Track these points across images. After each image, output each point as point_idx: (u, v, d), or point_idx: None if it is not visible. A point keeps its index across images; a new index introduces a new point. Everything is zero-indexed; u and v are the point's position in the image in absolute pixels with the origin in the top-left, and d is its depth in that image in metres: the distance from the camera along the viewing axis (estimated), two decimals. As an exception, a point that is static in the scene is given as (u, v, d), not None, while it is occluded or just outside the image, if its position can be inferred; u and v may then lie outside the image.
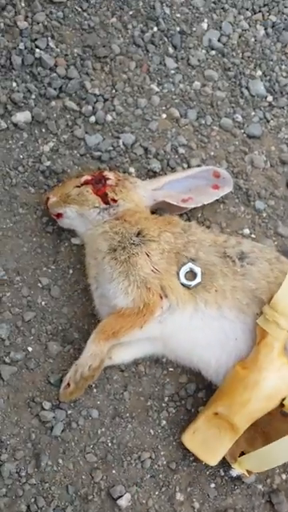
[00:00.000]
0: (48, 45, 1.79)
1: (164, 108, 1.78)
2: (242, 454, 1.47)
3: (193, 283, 1.46)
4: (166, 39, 1.84)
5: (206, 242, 1.51)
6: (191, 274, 1.47)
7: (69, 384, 1.48)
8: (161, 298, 1.45)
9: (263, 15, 1.91)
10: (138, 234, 1.49)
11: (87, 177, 1.58)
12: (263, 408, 1.39)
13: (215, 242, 1.52)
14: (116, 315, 1.45)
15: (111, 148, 1.72)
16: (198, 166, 1.72)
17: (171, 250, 1.49)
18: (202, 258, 1.48)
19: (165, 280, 1.46)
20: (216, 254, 1.49)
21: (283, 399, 1.41)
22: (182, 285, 1.47)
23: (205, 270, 1.47)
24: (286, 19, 1.91)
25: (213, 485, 1.51)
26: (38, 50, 1.78)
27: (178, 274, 1.47)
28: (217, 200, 1.69)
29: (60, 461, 1.49)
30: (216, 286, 1.46)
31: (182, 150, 1.74)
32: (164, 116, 1.77)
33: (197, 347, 1.47)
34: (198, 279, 1.46)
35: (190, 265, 1.47)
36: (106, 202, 1.55)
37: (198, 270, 1.47)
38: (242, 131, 1.79)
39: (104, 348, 1.44)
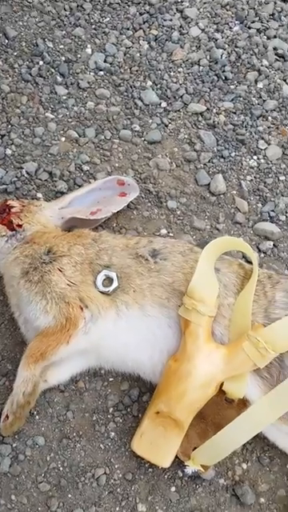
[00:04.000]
0: None
1: (62, 132, 1.74)
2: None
3: (111, 288, 1.39)
4: (52, 70, 1.82)
5: (117, 247, 1.45)
6: (108, 281, 1.41)
7: (7, 416, 1.38)
8: (81, 309, 1.37)
9: (144, 31, 1.91)
10: (48, 252, 1.42)
11: (-10, 209, 1.53)
12: (201, 397, 1.30)
13: (127, 246, 1.46)
14: (41, 336, 1.37)
15: (15, 179, 1.67)
16: (104, 178, 1.67)
17: (84, 261, 1.42)
18: (115, 263, 1.42)
19: (82, 291, 1.39)
20: (129, 256, 1.43)
21: (221, 385, 1.33)
22: (101, 293, 1.40)
23: (120, 274, 1.41)
24: (167, 31, 1.92)
25: (173, 488, 1.40)
26: None
27: (94, 283, 1.41)
28: (129, 207, 1.65)
29: (13, 497, 1.38)
30: (134, 286, 1.39)
31: (86, 167, 1.70)
32: (63, 139, 1.73)
33: (128, 350, 1.39)
34: (115, 283, 1.39)
35: (104, 272, 1.40)
36: (12, 229, 1.48)
37: (113, 274, 1.40)
38: (143, 139, 1.76)
39: (35, 371, 1.35)
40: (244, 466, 1.43)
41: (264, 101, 1.83)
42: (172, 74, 1.85)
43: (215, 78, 1.85)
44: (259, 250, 1.64)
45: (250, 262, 1.47)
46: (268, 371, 1.32)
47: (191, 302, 1.31)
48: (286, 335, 1.27)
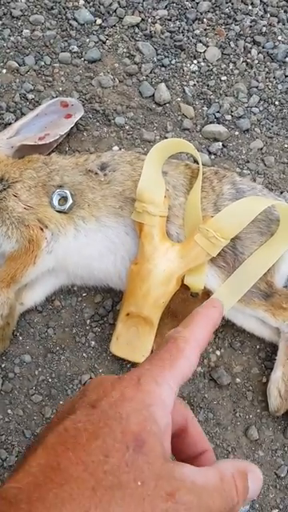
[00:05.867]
0: None
1: (2, 64, 1.72)
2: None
3: (66, 206, 1.42)
4: (-17, 2, 1.78)
5: (68, 166, 1.48)
6: (63, 200, 1.44)
7: (-10, 339, 1.45)
8: (41, 230, 1.41)
9: None
10: (1, 180, 1.45)
11: None
12: (164, 292, 1.36)
13: (77, 164, 1.48)
14: (8, 261, 1.42)
15: None
16: (50, 104, 1.67)
17: (37, 184, 1.45)
18: (67, 181, 1.45)
19: (40, 213, 1.43)
20: (80, 173, 1.46)
21: (182, 280, 1.38)
22: (58, 212, 1.43)
23: (74, 191, 1.44)
24: None
25: (155, 381, 1.48)
26: None
27: (50, 203, 1.44)
28: (79, 129, 1.65)
29: (9, 411, 1.46)
30: (87, 201, 1.43)
31: (31, 96, 1.68)
32: (4, 71, 1.71)
33: (92, 262, 1.44)
34: (70, 201, 1.42)
35: (58, 191, 1.43)
36: None
37: (66, 193, 1.43)
38: (83, 59, 1.74)
39: (9, 294, 1.41)
40: (218, 352, 1.51)
41: (197, 3, 1.80)
42: (103, -11, 1.81)
43: (147, -13, 1.81)
44: (209, 153, 1.66)
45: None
46: (224, 260, 1.38)
47: (141, 204, 1.35)
48: (231, 222, 1.31)
